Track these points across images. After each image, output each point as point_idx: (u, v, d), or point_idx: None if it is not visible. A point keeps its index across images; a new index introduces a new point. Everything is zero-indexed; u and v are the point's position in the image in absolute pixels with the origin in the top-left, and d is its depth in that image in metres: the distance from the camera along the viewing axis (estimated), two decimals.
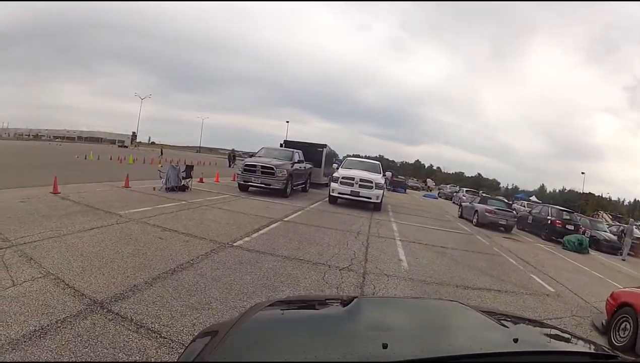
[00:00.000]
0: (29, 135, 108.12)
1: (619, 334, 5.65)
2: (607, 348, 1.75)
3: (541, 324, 2.36)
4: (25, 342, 3.26)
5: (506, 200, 24.89)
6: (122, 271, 5.27)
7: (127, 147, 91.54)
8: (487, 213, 18.58)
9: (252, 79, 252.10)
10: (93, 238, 6.71)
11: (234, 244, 7.55)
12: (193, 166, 16.60)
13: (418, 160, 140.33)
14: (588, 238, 19.21)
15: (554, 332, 2.02)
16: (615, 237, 21.00)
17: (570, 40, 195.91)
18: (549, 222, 19.56)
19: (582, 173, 70.16)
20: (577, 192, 79.05)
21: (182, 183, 14.63)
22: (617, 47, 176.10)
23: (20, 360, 2.92)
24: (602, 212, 55.39)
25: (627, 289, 6.65)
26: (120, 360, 3.03)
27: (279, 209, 12.97)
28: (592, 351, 1.75)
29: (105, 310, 4.05)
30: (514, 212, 20.92)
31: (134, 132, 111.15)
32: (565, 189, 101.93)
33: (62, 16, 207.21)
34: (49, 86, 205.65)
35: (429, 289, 6.57)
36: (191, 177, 15.61)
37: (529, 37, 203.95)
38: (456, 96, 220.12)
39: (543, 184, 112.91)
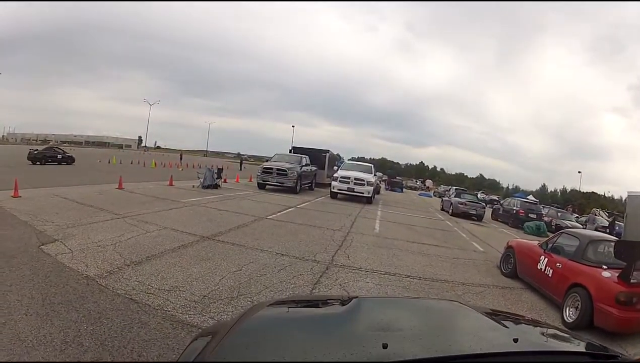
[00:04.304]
0: (36, 140, 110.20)
1: (507, 266, 8.77)
2: (607, 348, 1.84)
3: (541, 324, 2.38)
4: (177, 249, 7.01)
5: (478, 194, 28.65)
6: (208, 227, 9.18)
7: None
8: (459, 205, 22.55)
9: (260, 82, 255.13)
10: (177, 213, 10.65)
11: (267, 218, 11.61)
12: (222, 169, 20.64)
13: (422, 161, 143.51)
14: (553, 226, 22.89)
15: (554, 332, 2.06)
16: (580, 226, 24.55)
17: (577, 40, 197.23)
18: (514, 212, 23.15)
19: (579, 172, 73.24)
20: (579, 191, 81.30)
21: (215, 183, 18.58)
22: (624, 46, 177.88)
23: (22, 360, 3.18)
24: (598, 209, 58.39)
25: (516, 239, 10.33)
26: (122, 360, 3.34)
27: (292, 201, 16.91)
28: (592, 351, 1.75)
29: (211, 240, 7.98)
30: (483, 204, 24.67)
31: (140, 136, 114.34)
32: (566, 189, 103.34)
33: (68, 20, 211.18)
34: (56, 90, 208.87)
35: (388, 242, 10.40)
36: (221, 178, 19.67)
37: (536, 38, 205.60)
38: (463, 98, 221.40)
39: (544, 184, 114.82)
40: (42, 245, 6.37)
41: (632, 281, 5.52)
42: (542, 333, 1.98)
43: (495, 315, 2.16)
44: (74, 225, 7.92)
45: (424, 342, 1.58)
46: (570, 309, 6.12)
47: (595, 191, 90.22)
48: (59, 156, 30.19)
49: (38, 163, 27.44)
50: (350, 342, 1.52)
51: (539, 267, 7.40)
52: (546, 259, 7.29)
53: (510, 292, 7.47)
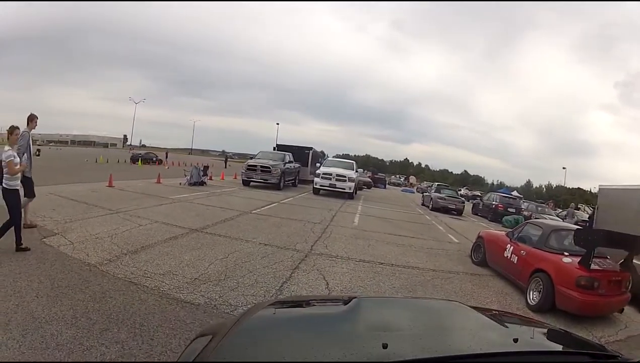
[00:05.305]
0: None
1: (478, 255, 9.29)
2: (606, 348, 1.80)
3: (541, 324, 2.39)
4: (169, 240, 7.64)
5: (462, 190, 29.58)
6: (196, 221, 9.80)
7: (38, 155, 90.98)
8: (439, 200, 23.45)
9: (248, 81, 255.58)
10: (166, 209, 11.23)
11: (252, 212, 12.26)
12: (208, 166, 21.27)
13: (407, 158, 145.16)
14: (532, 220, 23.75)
15: (554, 332, 2.08)
16: (560, 220, 25.45)
17: (566, 38, 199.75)
18: (494, 206, 23.99)
19: (564, 168, 74.96)
20: (564, 187, 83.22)
21: (201, 180, 19.15)
22: (612, 44, 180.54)
23: (21, 360, 3.24)
24: (584, 205, 59.77)
25: (487, 230, 11.02)
26: (124, 360, 3.43)
27: (276, 197, 17.58)
28: (592, 351, 1.72)
29: (199, 232, 8.62)
30: (463, 199, 25.57)
31: (125, 135, 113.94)
32: (552, 185, 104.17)
33: (59, 21, 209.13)
34: (45, 90, 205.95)
35: (366, 234, 11.11)
36: (207, 175, 20.25)
37: (526, 36, 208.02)
38: (452, 95, 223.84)
39: (529, 180, 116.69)
40: (44, 238, 6.89)
41: (593, 267, 5.97)
42: (542, 333, 2.00)
43: (495, 315, 2.23)
44: (72, 220, 8.44)
45: (424, 342, 1.60)
46: (534, 292, 6.59)
47: (581, 187, 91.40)
48: (154, 158, 45.23)
49: (138, 162, 40.76)
50: (350, 342, 1.53)
51: (505, 255, 7.94)
52: (512, 247, 7.82)
53: (479, 279, 8.02)
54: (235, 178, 26.11)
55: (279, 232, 9.64)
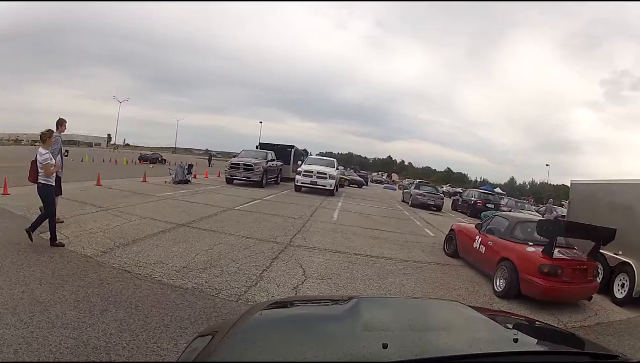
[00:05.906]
0: (8, 140, 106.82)
1: (450, 247, 9.80)
2: (607, 348, 1.79)
3: (541, 324, 2.41)
4: (157, 234, 8.19)
5: (444, 187, 30.32)
6: (183, 216, 10.35)
7: None
8: (418, 196, 24.18)
9: (232, 80, 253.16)
10: (154, 206, 11.75)
11: (235, 208, 12.87)
12: (193, 165, 21.77)
13: (390, 156, 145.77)
14: None
15: (554, 332, 2.15)
16: (540, 215, 26.33)
17: (551, 36, 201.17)
18: (473, 202, 24.77)
19: (547, 165, 76.23)
20: (548, 184, 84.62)
21: (186, 178, 19.64)
22: (598, 42, 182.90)
23: (20, 360, 3.27)
24: (566, 201, 60.92)
25: (458, 223, 11.64)
26: (122, 360, 3.47)
27: (259, 194, 18.16)
28: (592, 351, 1.72)
29: (186, 226, 9.17)
30: (442, 195, 26.35)
31: (109, 134, 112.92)
32: (536, 182, 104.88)
33: (40, 18, 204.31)
34: (25, 89, 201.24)
35: (343, 228, 11.76)
36: (191, 174, 20.75)
37: (510, 34, 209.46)
38: (435, 93, 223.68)
39: (512, 177, 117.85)
40: (41, 233, 7.23)
41: (557, 255, 6.35)
42: (542, 333, 2.02)
43: (495, 315, 2.27)
44: (65, 217, 8.81)
45: (424, 342, 1.60)
46: (500, 280, 6.96)
47: (565, 184, 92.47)
48: (159, 158, 51.01)
49: (146, 162, 45.53)
50: (350, 342, 1.54)
51: (474, 246, 8.39)
52: (480, 238, 8.28)
53: (449, 268, 8.56)
54: (219, 176, 26.60)
55: (261, 226, 10.24)
